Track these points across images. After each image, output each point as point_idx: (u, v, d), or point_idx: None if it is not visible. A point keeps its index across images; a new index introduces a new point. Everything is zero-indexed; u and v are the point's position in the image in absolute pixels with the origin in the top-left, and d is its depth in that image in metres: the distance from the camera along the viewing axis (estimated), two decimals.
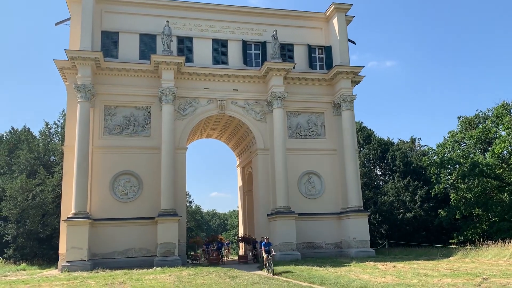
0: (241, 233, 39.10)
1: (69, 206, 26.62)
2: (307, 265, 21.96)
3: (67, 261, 24.67)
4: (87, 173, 26.81)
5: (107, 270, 22.97)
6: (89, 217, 26.18)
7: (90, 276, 20.09)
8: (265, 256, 20.23)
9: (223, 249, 30.97)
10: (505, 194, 37.16)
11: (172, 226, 26.88)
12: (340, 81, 31.98)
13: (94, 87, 28.17)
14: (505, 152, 40.05)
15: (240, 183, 40.34)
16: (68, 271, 23.08)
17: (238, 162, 40.25)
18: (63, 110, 41.93)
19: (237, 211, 45.11)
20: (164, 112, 28.87)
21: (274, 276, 19.10)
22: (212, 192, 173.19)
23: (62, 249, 26.16)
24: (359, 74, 32.82)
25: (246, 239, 33.02)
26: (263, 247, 20.67)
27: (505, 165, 39.62)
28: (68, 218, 25.66)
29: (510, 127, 37.63)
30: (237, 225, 45.59)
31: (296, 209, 29.63)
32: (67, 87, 29.64)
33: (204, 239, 40.02)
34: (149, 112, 29.87)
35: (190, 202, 75.15)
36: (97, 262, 25.63)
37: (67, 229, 25.47)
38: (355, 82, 33.17)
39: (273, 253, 20.48)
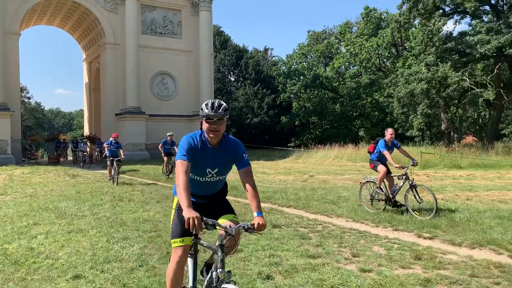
0: (86, 132, 37.12)
1: None
2: (155, 164, 22.22)
3: None
4: None
5: None
6: None
7: None
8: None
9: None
10: (337, 105, 42.00)
11: (3, 121, 23.98)
12: None
13: None
14: (342, 67, 44.59)
15: (86, 79, 37.27)
16: None
17: (84, 56, 36.73)
18: None
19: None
20: None
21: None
22: (57, 89, 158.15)
23: None
24: None
25: (91, 139, 31.61)
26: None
27: (340, 79, 44.31)
28: None
29: (349, 44, 41.54)
30: (84, 125, 42.97)
31: (147, 109, 29.00)
32: None
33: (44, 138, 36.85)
34: None
35: (29, 98, 67.76)
36: None
37: None
38: None
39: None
